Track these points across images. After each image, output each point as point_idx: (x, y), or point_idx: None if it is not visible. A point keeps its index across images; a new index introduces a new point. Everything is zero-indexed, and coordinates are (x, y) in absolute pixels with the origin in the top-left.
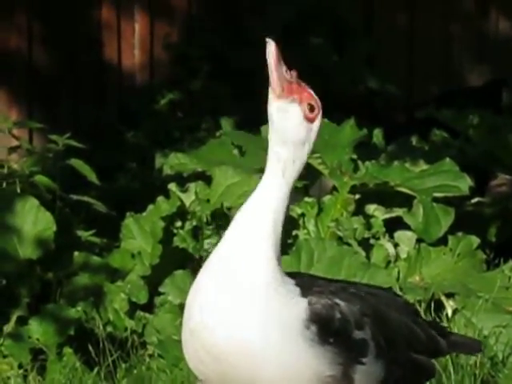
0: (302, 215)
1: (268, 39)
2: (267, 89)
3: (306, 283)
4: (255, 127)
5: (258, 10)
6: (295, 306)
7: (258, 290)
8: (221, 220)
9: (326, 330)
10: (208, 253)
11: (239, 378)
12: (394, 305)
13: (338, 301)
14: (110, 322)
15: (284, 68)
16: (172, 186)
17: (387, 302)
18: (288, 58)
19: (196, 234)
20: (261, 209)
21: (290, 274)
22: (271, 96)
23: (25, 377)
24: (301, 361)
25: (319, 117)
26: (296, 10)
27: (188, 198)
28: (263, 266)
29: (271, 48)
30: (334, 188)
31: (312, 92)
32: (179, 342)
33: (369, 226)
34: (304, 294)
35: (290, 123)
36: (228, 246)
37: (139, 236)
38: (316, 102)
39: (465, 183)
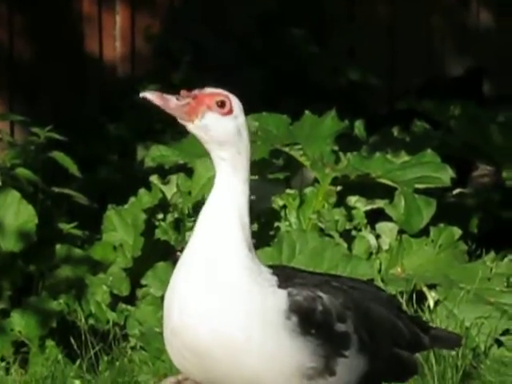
0: (284, 207)
1: (142, 94)
2: (249, 79)
3: (287, 275)
4: None
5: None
6: (274, 297)
7: (235, 284)
8: None
9: (308, 321)
10: None
11: (222, 372)
12: (378, 299)
13: (320, 293)
14: (92, 315)
15: (174, 98)
16: (154, 178)
17: (371, 297)
18: (268, 48)
19: (178, 226)
20: (224, 205)
21: (273, 267)
22: (185, 124)
23: (7, 369)
24: (282, 351)
25: (234, 104)
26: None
27: (169, 190)
28: (236, 259)
29: (150, 97)
30: (316, 180)
31: (212, 90)
32: (161, 334)
33: (350, 218)
34: (283, 284)
35: (217, 129)
36: (198, 246)
37: (121, 228)
38: (221, 95)
39: (446, 174)
